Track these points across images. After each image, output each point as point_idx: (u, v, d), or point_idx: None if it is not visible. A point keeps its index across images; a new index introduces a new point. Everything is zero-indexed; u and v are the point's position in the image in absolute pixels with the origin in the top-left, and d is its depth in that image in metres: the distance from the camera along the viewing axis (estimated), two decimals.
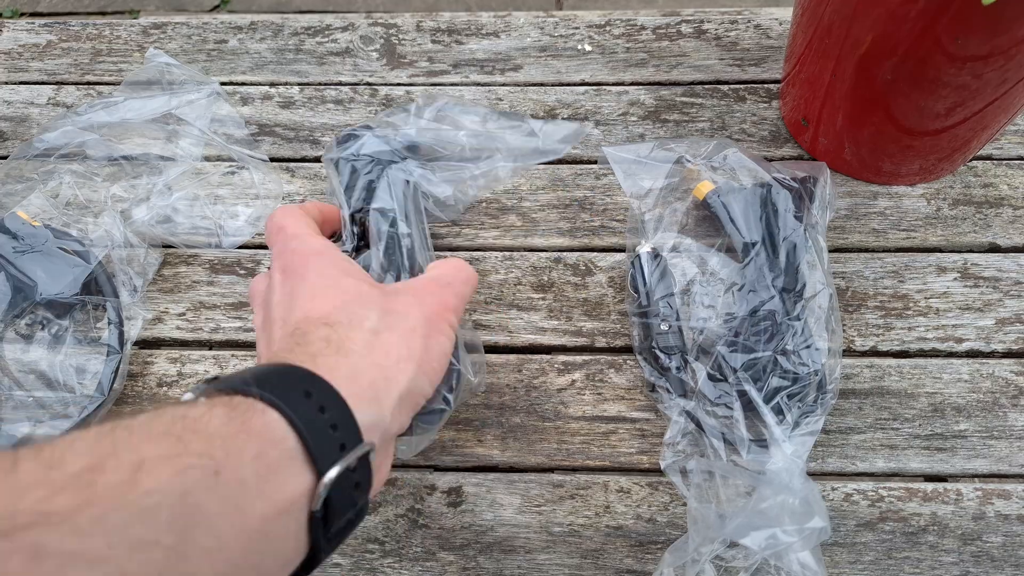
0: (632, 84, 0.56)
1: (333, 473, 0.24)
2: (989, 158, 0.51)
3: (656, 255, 0.45)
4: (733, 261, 0.45)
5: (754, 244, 0.43)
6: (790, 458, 0.37)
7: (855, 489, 0.40)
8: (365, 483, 0.26)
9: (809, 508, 0.34)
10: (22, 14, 1.59)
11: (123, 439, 0.20)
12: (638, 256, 0.45)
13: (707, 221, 0.48)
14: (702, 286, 0.44)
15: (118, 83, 0.58)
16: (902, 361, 0.44)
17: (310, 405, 0.24)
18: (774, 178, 0.45)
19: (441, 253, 0.49)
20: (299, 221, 0.34)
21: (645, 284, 0.44)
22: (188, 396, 0.25)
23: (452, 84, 0.56)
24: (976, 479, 0.41)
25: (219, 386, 0.24)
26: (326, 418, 0.24)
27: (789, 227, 0.43)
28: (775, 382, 0.38)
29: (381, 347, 0.28)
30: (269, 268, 0.36)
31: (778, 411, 0.38)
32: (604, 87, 0.56)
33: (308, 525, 0.24)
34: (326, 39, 0.59)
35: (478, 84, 0.56)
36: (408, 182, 0.44)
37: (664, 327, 0.42)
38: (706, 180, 0.47)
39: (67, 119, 0.54)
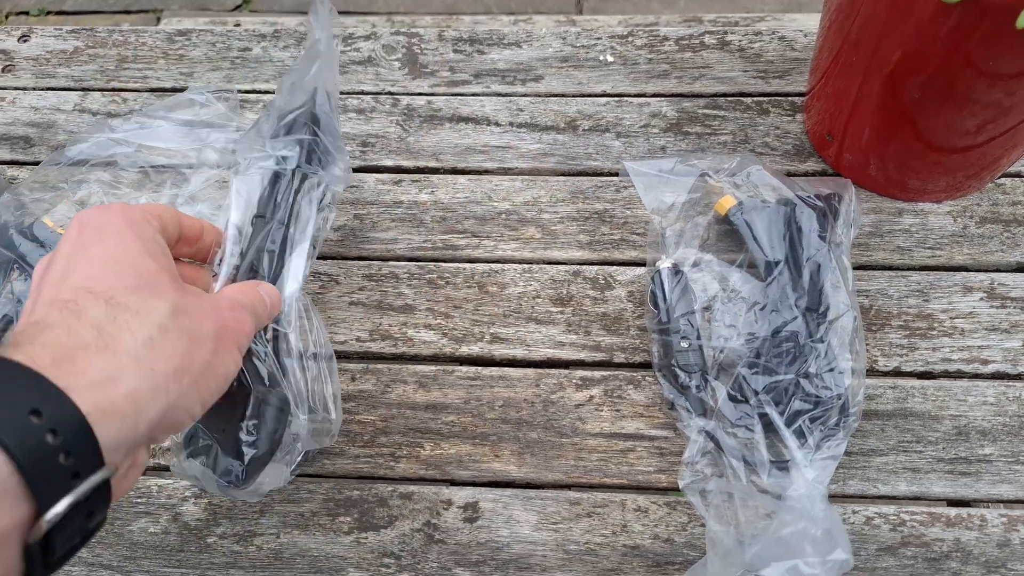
0: (654, 96, 0.56)
1: (60, 508, 0.21)
2: (1018, 175, 0.51)
3: (677, 271, 0.45)
4: (755, 279, 0.44)
5: (777, 263, 0.43)
6: (811, 483, 0.36)
7: (876, 513, 0.40)
8: (100, 507, 0.23)
9: (832, 539, 0.33)
10: (48, 12, 1.62)
11: None
12: (658, 271, 0.45)
13: (729, 237, 0.47)
14: (723, 304, 0.44)
15: (143, 90, 0.59)
16: (926, 382, 0.43)
17: (35, 428, 0.20)
18: (798, 196, 0.45)
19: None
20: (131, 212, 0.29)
21: (665, 300, 0.44)
22: None
23: (473, 94, 0.56)
24: (1001, 505, 0.40)
25: None
26: (56, 443, 0.21)
27: (813, 247, 0.43)
28: (797, 405, 0.38)
29: (162, 350, 0.25)
30: None
31: (800, 434, 0.37)
32: (626, 98, 0.56)
33: (23, 555, 0.21)
34: (348, 47, 0.59)
35: (499, 94, 0.56)
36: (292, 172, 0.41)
37: (684, 345, 0.42)
38: (728, 195, 0.47)
39: (102, 132, 0.54)
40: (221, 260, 0.38)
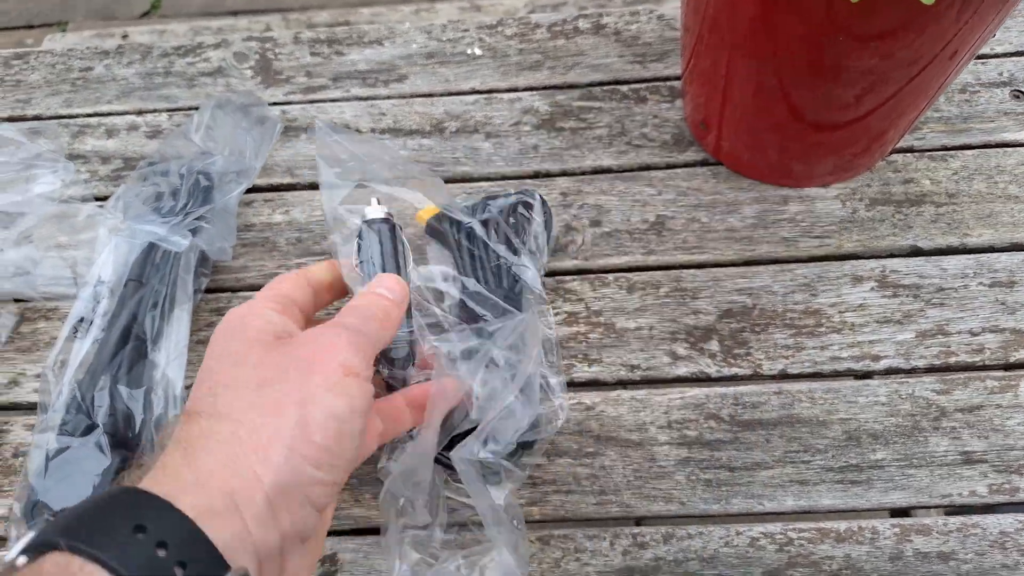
0: (526, 89, 0.52)
1: None
2: (910, 150, 0.47)
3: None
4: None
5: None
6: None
7: (762, 532, 0.36)
8: None
9: None
10: None
11: None
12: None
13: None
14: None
15: None
16: (814, 384, 0.40)
17: (143, 544, 0.20)
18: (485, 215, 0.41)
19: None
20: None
21: None
22: (21, 559, 0.20)
23: (332, 100, 0.52)
24: (894, 514, 0.37)
25: (39, 540, 0.20)
26: (168, 556, 0.20)
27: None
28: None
29: (245, 437, 0.23)
30: None
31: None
32: (496, 94, 0.51)
33: None
34: (197, 58, 0.55)
35: (359, 98, 0.52)
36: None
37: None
38: (429, 205, 0.41)
39: None
40: (83, 320, 0.39)
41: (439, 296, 0.39)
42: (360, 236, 0.34)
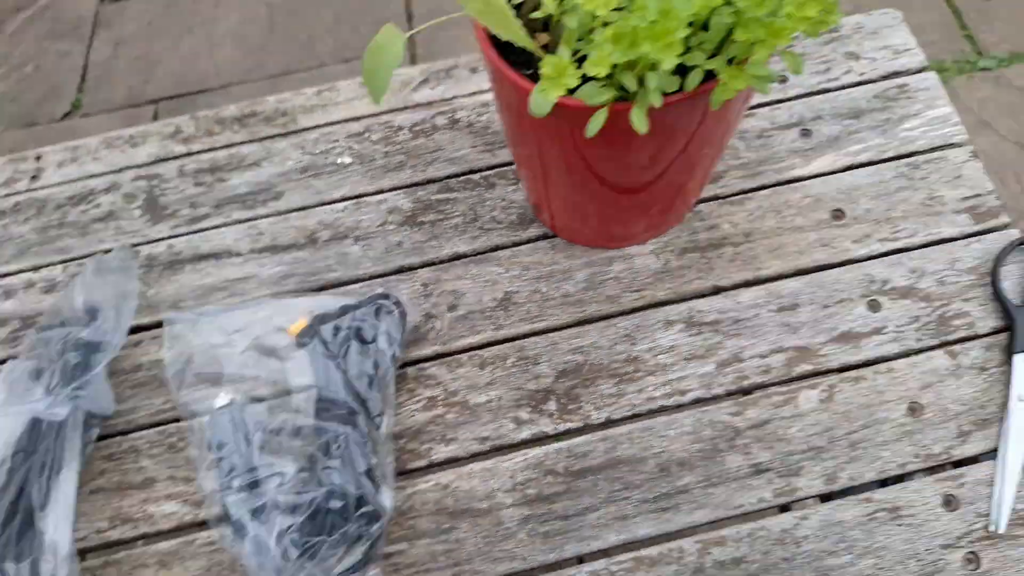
0: (391, 190, 0.58)
1: None
2: (714, 198, 0.54)
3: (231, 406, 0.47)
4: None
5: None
6: None
7: (589, 572, 0.43)
8: None
9: None
10: None
11: None
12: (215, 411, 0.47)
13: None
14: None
15: None
16: (632, 426, 0.47)
17: None
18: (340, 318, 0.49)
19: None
20: None
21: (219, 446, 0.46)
22: None
23: (214, 227, 0.58)
24: (697, 531, 0.44)
25: None
26: None
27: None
28: (282, 521, 0.42)
29: None
30: None
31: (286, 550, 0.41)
32: (364, 199, 0.58)
33: None
34: (89, 205, 0.60)
35: (239, 221, 0.58)
36: None
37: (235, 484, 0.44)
38: (302, 319, 0.50)
39: None
40: None
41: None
42: (209, 425, 0.46)
